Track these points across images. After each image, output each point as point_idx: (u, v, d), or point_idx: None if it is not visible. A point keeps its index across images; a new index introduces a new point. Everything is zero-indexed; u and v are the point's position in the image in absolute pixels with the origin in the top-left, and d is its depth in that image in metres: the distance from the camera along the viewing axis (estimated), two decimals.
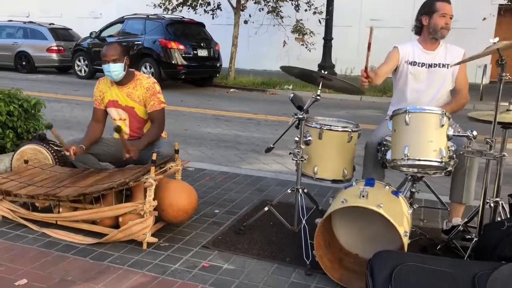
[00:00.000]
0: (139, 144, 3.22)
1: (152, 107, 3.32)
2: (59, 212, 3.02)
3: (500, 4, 14.11)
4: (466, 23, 14.19)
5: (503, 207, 2.60)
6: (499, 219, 2.58)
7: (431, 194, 3.53)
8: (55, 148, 3.61)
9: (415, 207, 3.05)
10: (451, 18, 3.04)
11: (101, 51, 3.31)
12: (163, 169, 3.06)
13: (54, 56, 14.31)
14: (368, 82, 2.92)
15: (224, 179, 4.27)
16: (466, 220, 2.78)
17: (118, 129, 3.06)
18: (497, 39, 2.28)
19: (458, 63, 2.81)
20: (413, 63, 3.12)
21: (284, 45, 13.27)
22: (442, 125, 2.48)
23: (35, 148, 3.58)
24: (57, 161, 3.53)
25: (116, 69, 3.23)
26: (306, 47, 12.74)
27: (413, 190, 2.93)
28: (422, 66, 3.10)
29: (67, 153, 3.15)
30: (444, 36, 3.08)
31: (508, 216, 2.62)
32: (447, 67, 3.06)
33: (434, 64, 3.08)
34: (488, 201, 2.54)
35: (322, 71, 2.83)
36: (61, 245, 2.80)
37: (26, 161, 3.45)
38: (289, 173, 4.66)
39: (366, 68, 2.83)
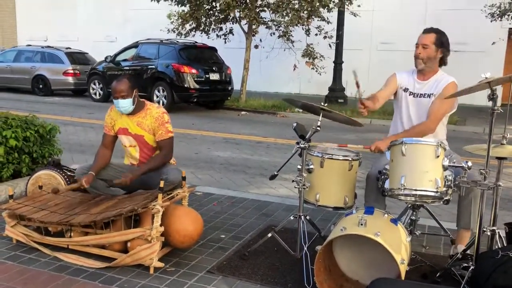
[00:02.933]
0: (139, 170, 3.38)
1: (160, 136, 3.46)
2: (70, 236, 3.15)
3: (510, 28, 14.19)
4: (477, 47, 14.31)
5: (499, 235, 2.65)
6: (496, 247, 2.63)
7: (434, 220, 3.58)
8: (68, 173, 3.76)
9: (417, 233, 3.11)
10: (423, 47, 3.12)
11: (111, 85, 3.47)
12: (170, 195, 3.18)
13: (70, 79, 14.69)
14: (366, 109, 3.07)
15: (231, 203, 4.37)
16: (464, 248, 2.84)
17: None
18: (488, 74, 2.37)
19: (449, 97, 2.90)
20: (406, 90, 3.25)
21: (294, 69, 13.46)
22: (438, 156, 2.57)
23: (50, 173, 3.73)
24: None
25: (125, 105, 3.41)
26: (316, 71, 12.91)
27: (413, 217, 2.99)
28: (410, 94, 3.24)
29: (82, 187, 3.37)
30: (417, 66, 3.18)
31: (505, 244, 2.67)
32: (431, 97, 3.15)
33: (421, 94, 3.20)
34: (485, 229, 2.60)
35: (322, 103, 2.95)
36: (72, 269, 2.92)
37: (40, 187, 3.60)
38: (295, 197, 4.72)
39: (360, 101, 3.09)
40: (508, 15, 12.46)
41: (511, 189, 5.36)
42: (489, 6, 12.66)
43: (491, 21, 12.85)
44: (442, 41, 3.13)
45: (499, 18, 12.64)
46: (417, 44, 3.16)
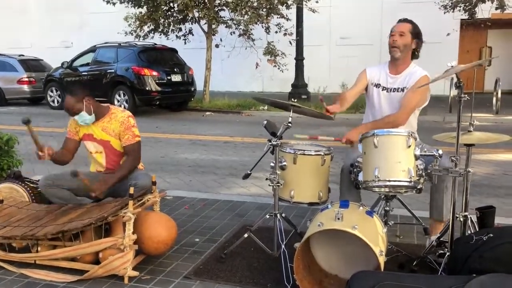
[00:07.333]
0: (111, 179, 3.25)
1: (126, 141, 3.35)
2: (37, 251, 2.99)
3: (461, 19, 14.69)
4: (432, 38, 14.64)
5: (471, 221, 2.70)
6: (469, 232, 2.69)
7: (406, 210, 3.62)
8: (31, 185, 3.59)
9: (390, 224, 3.14)
10: (400, 35, 3.09)
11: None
12: (141, 201, 3.08)
13: (25, 87, 14.16)
14: (333, 113, 3.07)
15: (203, 206, 4.30)
16: (438, 235, 2.88)
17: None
18: (454, 62, 2.41)
19: (418, 87, 2.92)
20: (377, 86, 3.24)
21: (256, 67, 13.46)
22: (409, 146, 2.59)
23: (11, 186, 3.55)
24: (34, 198, 3.51)
25: (82, 118, 3.34)
26: (278, 68, 12.95)
27: (387, 208, 3.02)
28: (383, 90, 3.22)
29: (41, 153, 3.18)
30: (394, 54, 3.12)
31: (477, 229, 2.73)
32: (404, 91, 3.13)
33: (394, 88, 3.18)
34: (457, 216, 2.65)
35: (293, 99, 2.94)
36: (41, 285, 2.77)
37: (1, 201, 3.41)
38: (267, 196, 4.71)
39: (326, 110, 3.07)
40: (460, 7, 12.90)
41: (474, 175, 5.52)
42: None
43: (445, 13, 13.26)
44: (417, 32, 3.11)
45: (452, 10, 13.08)
46: (392, 33, 3.11)
